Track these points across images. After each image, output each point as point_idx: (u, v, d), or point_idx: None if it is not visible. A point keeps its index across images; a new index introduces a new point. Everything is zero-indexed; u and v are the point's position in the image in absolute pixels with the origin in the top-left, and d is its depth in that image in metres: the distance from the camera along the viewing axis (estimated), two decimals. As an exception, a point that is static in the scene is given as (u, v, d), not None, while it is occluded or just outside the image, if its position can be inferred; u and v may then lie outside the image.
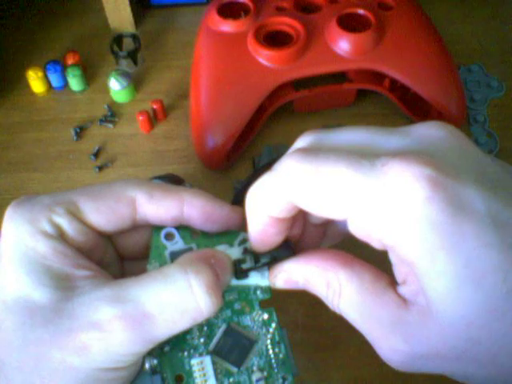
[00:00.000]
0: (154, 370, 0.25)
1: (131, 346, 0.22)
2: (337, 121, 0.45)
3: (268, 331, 0.27)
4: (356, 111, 0.45)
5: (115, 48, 0.49)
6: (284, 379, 0.26)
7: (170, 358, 0.26)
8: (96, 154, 0.44)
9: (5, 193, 0.42)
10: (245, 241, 0.27)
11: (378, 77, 0.43)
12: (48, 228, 0.24)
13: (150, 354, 0.25)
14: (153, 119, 0.45)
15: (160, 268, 0.24)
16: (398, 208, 0.20)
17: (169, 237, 0.27)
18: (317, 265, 0.24)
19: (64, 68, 0.48)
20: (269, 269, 0.26)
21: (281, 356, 0.26)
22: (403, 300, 0.21)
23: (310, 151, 0.22)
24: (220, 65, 0.41)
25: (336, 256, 0.24)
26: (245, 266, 0.26)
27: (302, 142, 0.24)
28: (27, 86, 0.48)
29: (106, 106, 0.47)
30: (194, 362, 0.26)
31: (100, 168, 0.43)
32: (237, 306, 0.27)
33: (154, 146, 0.44)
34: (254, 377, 0.26)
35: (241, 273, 0.26)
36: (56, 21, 0.55)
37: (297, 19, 0.42)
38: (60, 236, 0.24)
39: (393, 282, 0.22)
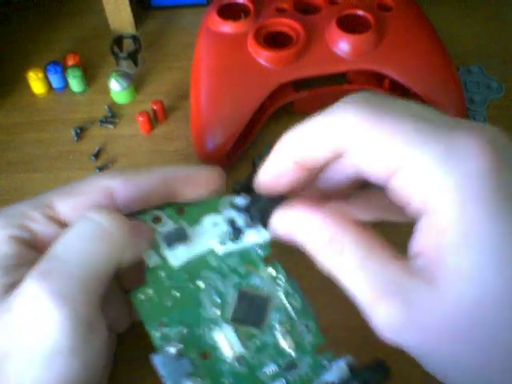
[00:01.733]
0: (180, 355, 0.25)
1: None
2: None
3: (279, 285, 0.27)
4: (356, 112, 0.45)
5: (115, 49, 0.49)
6: (307, 326, 0.26)
7: (191, 338, 0.26)
8: (96, 155, 0.44)
9: (5, 193, 0.42)
10: (231, 204, 0.28)
11: (378, 78, 0.43)
12: (19, 233, 0.25)
13: (171, 340, 0.25)
14: (153, 120, 0.45)
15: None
16: (456, 172, 0.19)
17: (156, 220, 0.27)
18: (322, 218, 0.23)
19: (64, 69, 0.48)
20: (263, 222, 0.26)
21: (297, 305, 0.26)
22: (410, 270, 0.21)
23: (374, 102, 0.21)
24: (220, 66, 0.41)
25: (342, 215, 0.23)
26: (240, 223, 0.27)
27: (357, 97, 0.23)
28: (27, 86, 0.48)
29: (106, 107, 0.47)
30: (215, 335, 0.26)
31: (100, 169, 0.43)
32: (242, 270, 0.27)
33: (154, 146, 0.44)
34: (278, 332, 0.26)
35: (235, 233, 0.26)
36: (56, 22, 0.55)
37: (297, 20, 0.42)
38: (32, 241, 0.25)
39: (398, 254, 0.22)
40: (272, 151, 0.24)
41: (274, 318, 0.26)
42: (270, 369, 0.26)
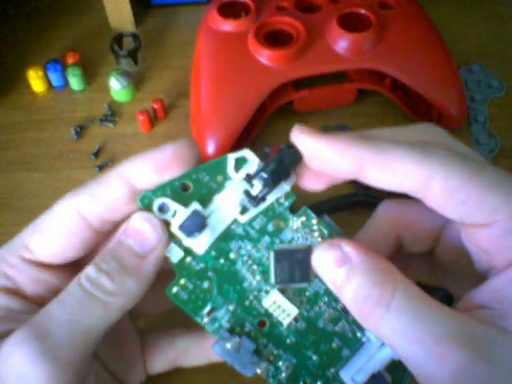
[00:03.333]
0: (238, 335, 0.25)
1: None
2: (337, 121, 0.45)
3: (313, 229, 0.25)
4: (356, 111, 0.45)
5: (115, 47, 0.49)
6: None
7: (242, 313, 0.25)
8: (96, 154, 0.44)
9: (5, 192, 0.42)
10: (238, 164, 0.24)
11: (379, 76, 0.43)
12: (1, 282, 0.24)
13: (223, 322, 0.25)
14: (153, 118, 0.45)
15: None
16: None
17: (163, 209, 0.24)
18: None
19: (64, 67, 0.48)
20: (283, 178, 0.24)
21: None
22: (481, 319, 0.20)
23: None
24: (220, 64, 0.41)
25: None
26: (257, 192, 0.24)
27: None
28: (27, 85, 0.48)
29: (106, 106, 0.47)
30: (264, 302, 0.25)
31: (100, 167, 0.43)
32: (270, 228, 0.25)
33: (154, 145, 0.43)
34: None
35: (257, 201, 0.24)
36: (56, 20, 0.55)
37: (297, 19, 0.42)
38: (15, 289, 0.24)
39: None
40: (341, 144, 0.23)
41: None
42: (328, 315, 0.25)
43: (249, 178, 0.24)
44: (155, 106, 0.45)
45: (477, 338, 0.19)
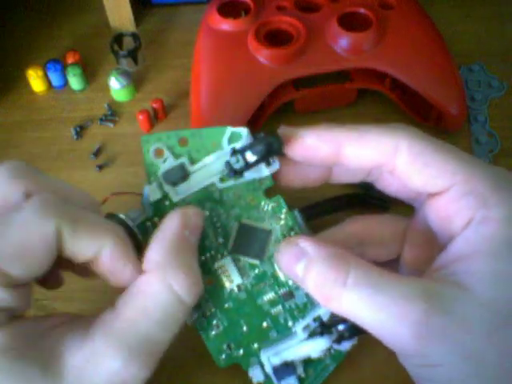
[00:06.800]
0: None
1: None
2: (337, 120, 0.45)
3: (280, 218, 0.28)
4: (357, 111, 0.45)
5: (115, 47, 0.49)
6: None
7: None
8: (96, 153, 0.44)
9: (5, 192, 0.42)
10: (233, 138, 0.27)
11: (379, 76, 0.43)
12: None
13: None
14: (153, 118, 0.45)
15: (136, 283, 0.23)
16: (505, 193, 0.23)
17: (158, 153, 0.27)
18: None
19: (64, 67, 0.48)
20: (265, 162, 0.26)
21: None
22: (439, 279, 0.22)
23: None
24: (220, 64, 0.41)
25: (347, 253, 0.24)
26: (237, 166, 0.26)
27: None
28: (27, 84, 0.48)
29: (106, 105, 0.47)
30: (216, 265, 0.27)
31: (100, 167, 0.43)
32: (243, 203, 0.28)
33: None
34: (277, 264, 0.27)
35: (236, 173, 0.26)
36: (56, 20, 0.55)
37: (297, 18, 0.42)
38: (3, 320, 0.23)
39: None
40: (319, 128, 0.27)
41: (274, 250, 0.27)
42: (269, 296, 0.27)
43: (233, 152, 0.26)
44: (155, 106, 0.45)
45: (431, 294, 0.21)
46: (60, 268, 0.26)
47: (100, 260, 0.23)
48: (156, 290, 0.23)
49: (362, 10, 0.42)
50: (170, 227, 0.25)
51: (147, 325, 0.22)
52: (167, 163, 0.27)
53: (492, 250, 0.21)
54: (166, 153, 0.27)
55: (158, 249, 0.24)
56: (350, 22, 0.41)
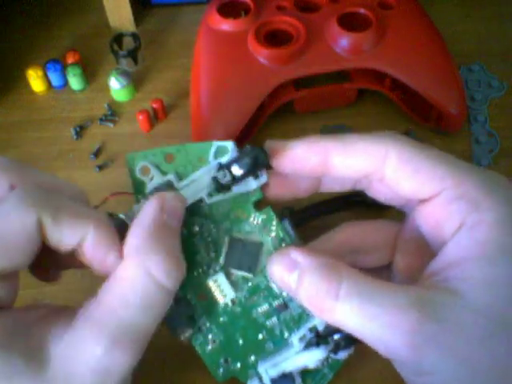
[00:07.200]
0: (179, 298, 0.26)
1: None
2: (337, 121, 0.45)
3: (271, 229, 0.28)
4: (357, 111, 0.45)
5: (115, 47, 0.49)
6: None
7: (189, 281, 0.27)
8: (96, 154, 0.44)
9: (5, 192, 0.42)
10: (219, 152, 0.27)
11: (379, 76, 0.43)
12: None
13: None
14: (153, 118, 0.45)
15: (116, 273, 0.23)
16: (495, 198, 0.22)
17: (145, 171, 0.27)
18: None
19: (64, 67, 0.48)
20: (253, 175, 0.26)
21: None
22: (431, 286, 0.22)
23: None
24: (220, 64, 0.41)
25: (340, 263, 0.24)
26: (224, 181, 0.26)
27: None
28: (27, 85, 0.48)
29: (106, 105, 0.47)
30: (209, 281, 0.27)
31: (100, 167, 0.43)
32: (233, 216, 0.28)
33: (154, 145, 0.44)
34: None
35: (224, 188, 0.26)
36: (56, 20, 0.55)
37: (297, 18, 0.42)
38: None
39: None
40: (307, 139, 0.26)
41: (266, 262, 0.27)
42: (263, 308, 0.27)
43: (220, 167, 0.26)
44: (155, 106, 0.45)
45: (423, 301, 0.21)
46: (60, 266, 0.26)
47: (83, 248, 0.23)
48: (133, 274, 0.22)
49: (361, 10, 0.42)
50: (147, 211, 0.24)
51: (127, 311, 0.22)
52: (154, 180, 0.27)
53: (485, 254, 0.21)
54: (153, 170, 0.27)
55: (136, 234, 0.23)
56: (350, 22, 0.41)
